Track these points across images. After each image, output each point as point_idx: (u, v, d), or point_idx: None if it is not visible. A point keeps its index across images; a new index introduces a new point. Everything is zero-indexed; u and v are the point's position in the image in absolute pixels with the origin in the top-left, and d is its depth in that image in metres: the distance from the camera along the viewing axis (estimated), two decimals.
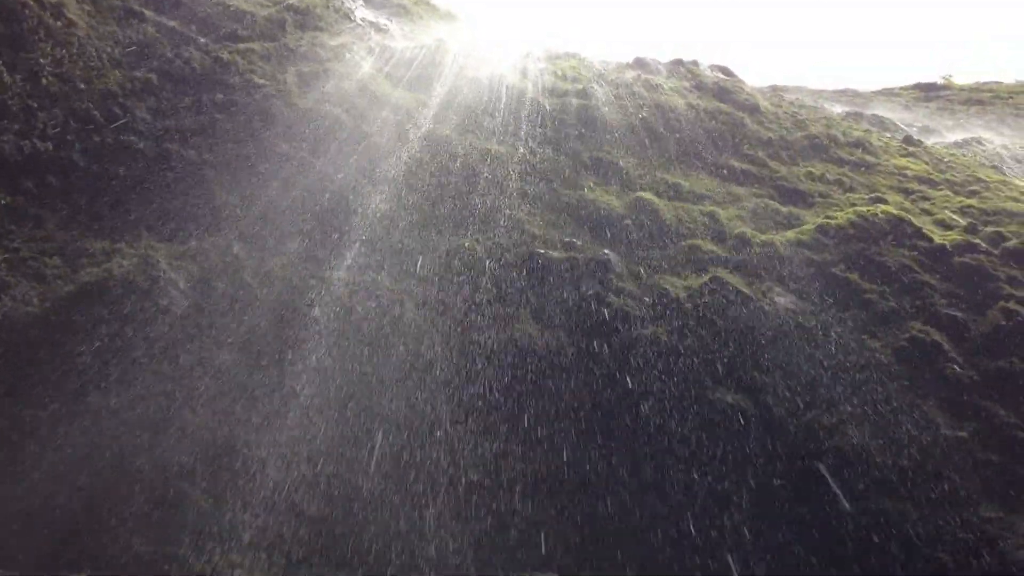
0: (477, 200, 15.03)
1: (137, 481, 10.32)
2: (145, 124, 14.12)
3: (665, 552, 11.01)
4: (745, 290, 13.74)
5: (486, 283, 13.56)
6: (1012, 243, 15.07)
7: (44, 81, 13.79)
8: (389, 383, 11.95)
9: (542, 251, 14.19)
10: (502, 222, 14.67)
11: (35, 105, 13.48)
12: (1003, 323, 13.39)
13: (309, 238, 13.48)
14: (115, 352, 11.28)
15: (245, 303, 12.42)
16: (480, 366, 12.42)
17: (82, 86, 14.11)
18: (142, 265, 12.24)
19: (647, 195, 15.92)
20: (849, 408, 12.19)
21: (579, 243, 14.58)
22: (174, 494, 10.35)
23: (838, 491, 11.33)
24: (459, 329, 12.82)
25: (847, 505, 11.20)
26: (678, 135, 18.37)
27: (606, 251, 14.37)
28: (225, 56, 15.88)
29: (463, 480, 11.29)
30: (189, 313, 12.09)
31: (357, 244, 13.68)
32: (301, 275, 12.96)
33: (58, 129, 13.46)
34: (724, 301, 13.54)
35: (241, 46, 16.34)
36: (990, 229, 15.66)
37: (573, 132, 17.66)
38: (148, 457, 10.49)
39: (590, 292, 13.60)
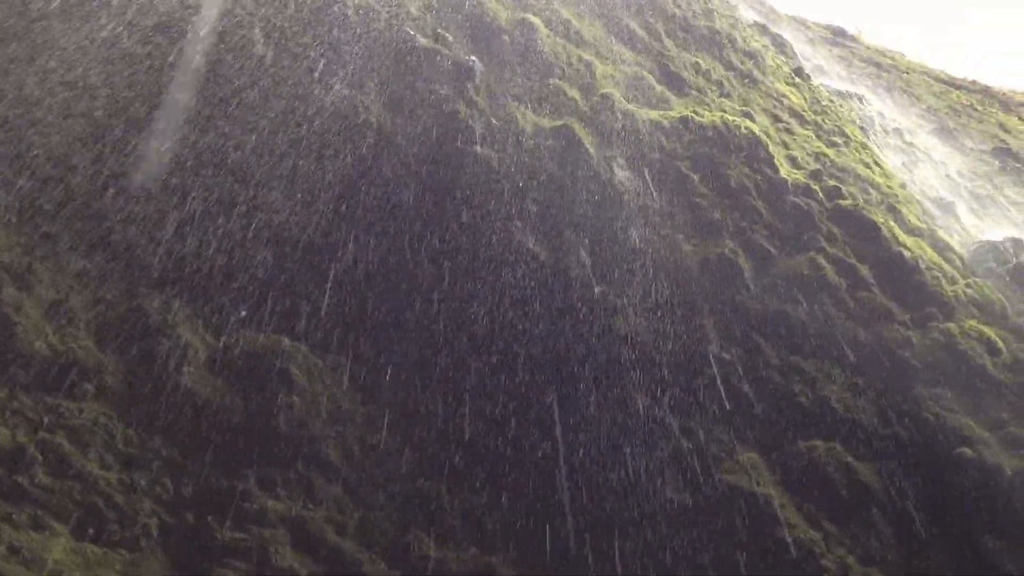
0: None
1: None
2: None
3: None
4: (590, 149, 13.51)
5: (344, 47, 12.85)
6: (846, 203, 15.40)
7: None
8: (224, 118, 11.33)
9: (412, 32, 13.48)
10: None
11: None
12: (805, 272, 13.75)
13: None
14: None
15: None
16: (315, 125, 11.95)
17: None
18: None
19: (536, 20, 15.29)
20: (635, 301, 12.31)
21: (451, 40, 13.92)
22: None
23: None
24: (305, 89, 12.21)
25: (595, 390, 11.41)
26: None
27: (473, 58, 13.77)
28: None
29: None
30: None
31: None
32: None
33: None
34: (565, 152, 13.29)
35: None
36: (832, 183, 15.94)
37: None
38: None
39: (443, 92, 13.07)
